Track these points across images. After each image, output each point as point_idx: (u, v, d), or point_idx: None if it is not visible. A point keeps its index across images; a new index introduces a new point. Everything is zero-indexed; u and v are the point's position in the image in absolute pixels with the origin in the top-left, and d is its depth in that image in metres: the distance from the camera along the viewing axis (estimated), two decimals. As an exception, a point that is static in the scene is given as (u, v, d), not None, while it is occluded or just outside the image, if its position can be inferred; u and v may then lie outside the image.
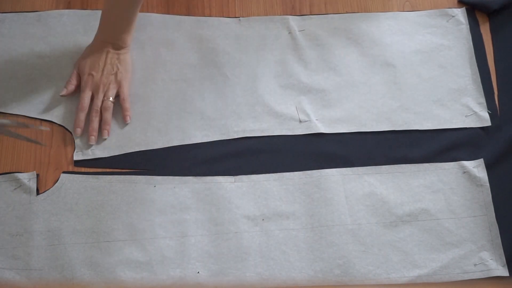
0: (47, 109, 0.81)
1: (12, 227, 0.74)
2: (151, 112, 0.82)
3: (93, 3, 0.88)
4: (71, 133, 0.80)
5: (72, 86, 0.80)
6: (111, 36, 0.80)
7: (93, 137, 0.78)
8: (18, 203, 0.75)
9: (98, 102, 0.79)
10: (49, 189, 0.76)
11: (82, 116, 0.79)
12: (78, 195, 0.76)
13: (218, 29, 0.88)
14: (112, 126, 0.80)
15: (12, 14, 0.86)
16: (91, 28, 0.85)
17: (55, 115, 0.80)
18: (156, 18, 0.88)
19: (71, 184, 0.77)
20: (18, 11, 0.86)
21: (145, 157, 0.79)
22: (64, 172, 0.77)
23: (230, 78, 0.85)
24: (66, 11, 0.87)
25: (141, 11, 0.87)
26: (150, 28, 0.87)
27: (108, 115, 0.80)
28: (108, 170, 0.78)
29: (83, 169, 0.78)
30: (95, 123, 0.79)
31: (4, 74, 0.82)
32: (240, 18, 0.89)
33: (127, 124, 0.81)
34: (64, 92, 0.80)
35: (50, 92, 0.81)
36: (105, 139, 0.79)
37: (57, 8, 0.87)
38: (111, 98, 0.80)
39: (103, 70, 0.80)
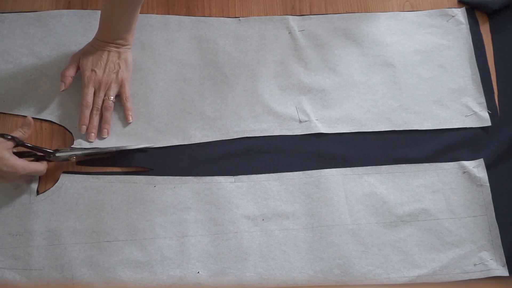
0: (47, 109, 0.81)
1: (12, 227, 0.74)
2: (151, 112, 0.82)
3: (93, 3, 0.88)
4: (71, 133, 0.80)
5: (70, 79, 0.79)
6: (112, 37, 0.80)
7: (92, 134, 0.78)
8: (18, 203, 0.75)
9: (99, 100, 0.79)
10: (49, 189, 0.76)
11: (87, 113, 0.78)
12: (78, 195, 0.76)
13: (218, 29, 0.88)
14: (112, 126, 0.80)
15: (12, 14, 0.86)
16: (91, 28, 0.85)
17: (55, 115, 0.80)
18: (156, 18, 0.88)
19: (71, 184, 0.77)
20: (18, 11, 0.86)
21: (145, 157, 0.79)
22: (64, 172, 0.77)
23: (230, 78, 0.84)
24: (66, 11, 0.87)
25: (141, 11, 0.87)
26: (150, 29, 0.87)
27: (109, 114, 0.80)
28: (108, 170, 0.78)
29: (83, 169, 0.78)
30: (95, 121, 0.79)
31: (4, 74, 0.82)
32: (240, 18, 0.89)
33: (129, 123, 0.81)
34: (62, 87, 0.78)
35: (50, 92, 0.81)
36: (104, 138, 0.79)
37: (57, 8, 0.87)
38: (112, 98, 0.80)
39: (105, 68, 0.79)
